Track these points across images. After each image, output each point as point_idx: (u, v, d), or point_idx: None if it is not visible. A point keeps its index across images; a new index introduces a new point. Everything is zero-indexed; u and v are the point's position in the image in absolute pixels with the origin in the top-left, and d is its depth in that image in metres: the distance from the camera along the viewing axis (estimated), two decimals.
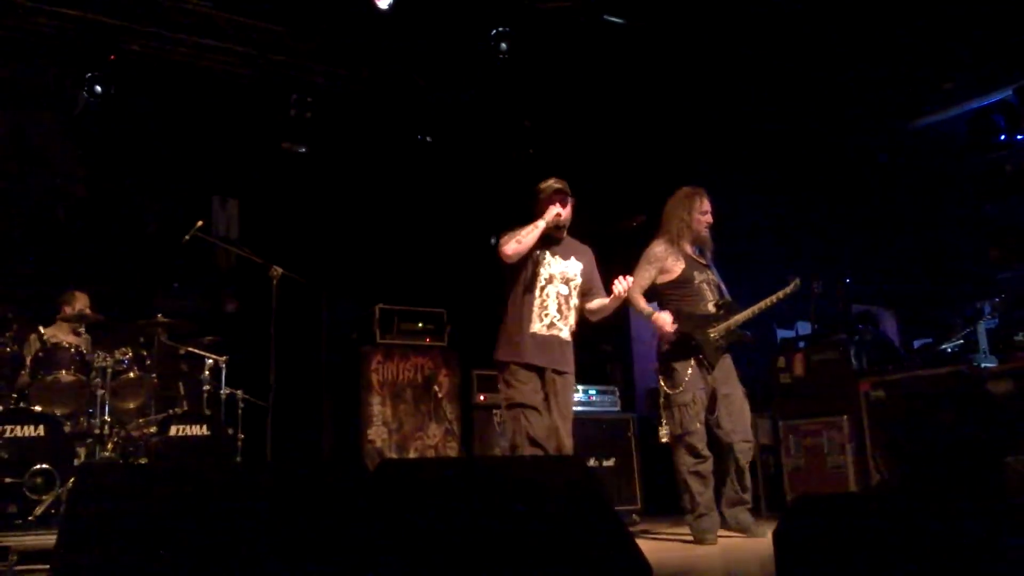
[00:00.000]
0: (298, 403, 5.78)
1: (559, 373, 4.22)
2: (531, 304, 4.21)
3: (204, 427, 4.93)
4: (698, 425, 4.41)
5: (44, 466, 4.47)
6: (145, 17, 6.09)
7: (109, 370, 4.86)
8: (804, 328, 6.69)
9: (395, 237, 6.86)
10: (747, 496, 4.53)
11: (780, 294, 4.50)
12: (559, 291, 4.25)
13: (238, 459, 5.04)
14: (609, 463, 5.94)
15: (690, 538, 4.43)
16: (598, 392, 6.32)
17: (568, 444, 4.20)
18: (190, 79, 6.48)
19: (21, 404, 4.68)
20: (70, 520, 2.53)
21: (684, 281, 4.58)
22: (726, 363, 4.58)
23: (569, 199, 4.32)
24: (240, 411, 5.32)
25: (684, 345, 4.50)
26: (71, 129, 6.51)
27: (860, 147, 7.05)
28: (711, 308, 4.55)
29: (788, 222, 7.30)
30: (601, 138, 7.26)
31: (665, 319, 4.47)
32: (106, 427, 4.77)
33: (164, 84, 6.46)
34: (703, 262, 4.70)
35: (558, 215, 4.21)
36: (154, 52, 6.29)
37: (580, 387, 6.35)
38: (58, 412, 4.72)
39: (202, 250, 5.69)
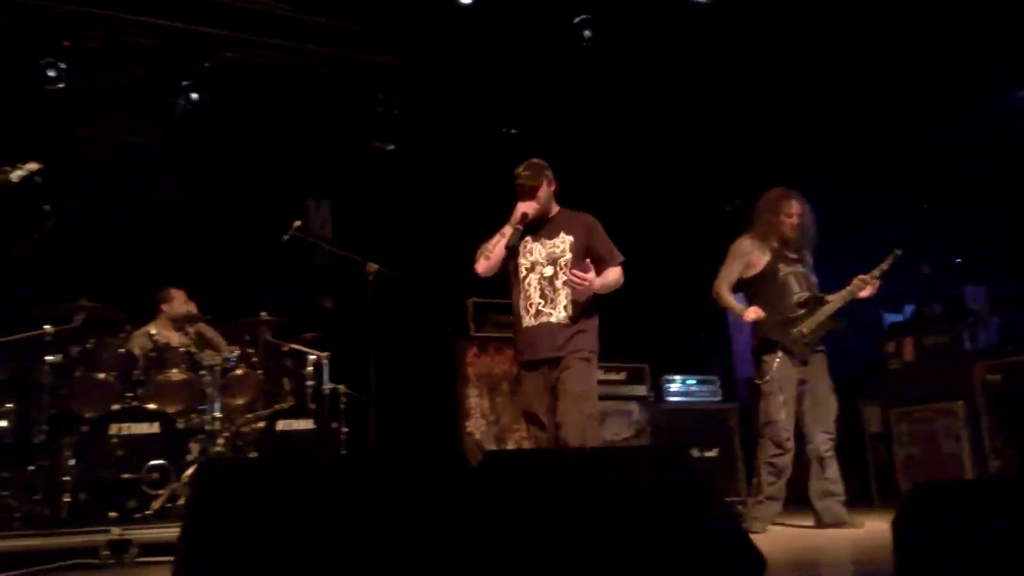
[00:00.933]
0: (398, 397, 5.84)
1: (554, 360, 3.88)
2: (518, 300, 4.01)
3: (310, 421, 5.02)
4: (782, 416, 4.44)
5: (160, 462, 4.63)
6: (236, 24, 6.26)
7: (218, 368, 5.00)
8: (913, 312, 6.44)
9: (485, 230, 6.86)
10: (837, 488, 4.46)
11: (883, 267, 4.45)
12: (542, 274, 3.94)
13: (343, 452, 5.13)
14: (711, 454, 5.84)
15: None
16: (697, 382, 6.23)
17: (574, 436, 3.79)
18: (280, 82, 6.62)
19: (135, 403, 4.86)
20: (192, 515, 2.60)
21: (769, 274, 4.61)
22: (817, 356, 4.57)
23: (535, 188, 3.98)
24: (343, 406, 5.41)
25: (770, 340, 4.54)
26: (170, 135, 6.73)
27: (960, 124, 6.73)
28: (794, 304, 4.55)
29: (891, 202, 7.03)
30: (693, 124, 7.13)
31: (751, 315, 4.54)
32: (217, 423, 4.92)
33: (256, 88, 6.62)
34: (793, 256, 4.67)
35: (524, 215, 3.92)
36: (245, 58, 6.47)
37: (678, 377, 6.26)
38: (170, 409, 4.88)
39: (299, 249, 5.80)
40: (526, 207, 3.92)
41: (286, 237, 5.34)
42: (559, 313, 3.89)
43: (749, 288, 4.68)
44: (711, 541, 2.64)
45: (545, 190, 4.01)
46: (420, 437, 6.15)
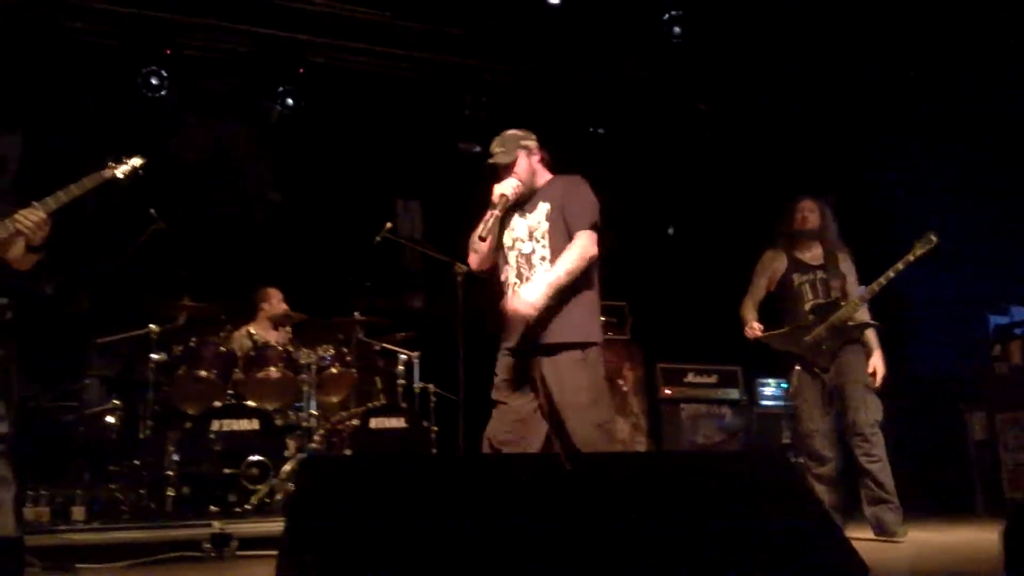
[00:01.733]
0: (487, 397, 5.85)
1: (531, 349, 3.34)
2: (499, 282, 3.55)
3: (401, 420, 5.10)
4: (812, 427, 4.35)
5: (259, 458, 4.77)
6: (328, 30, 6.40)
7: (314, 366, 5.11)
8: (1020, 313, 6.14)
9: None
10: (886, 494, 4.23)
11: (915, 252, 4.26)
12: (520, 252, 3.47)
13: (434, 451, 5.18)
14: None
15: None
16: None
17: (583, 436, 3.26)
18: (371, 86, 6.74)
19: (235, 400, 5.01)
20: (296, 510, 2.65)
21: (785, 285, 4.53)
22: (845, 359, 4.39)
23: (509, 165, 3.50)
24: (433, 405, 5.47)
25: (788, 353, 4.47)
26: (265, 139, 6.92)
27: None
28: (806, 311, 4.43)
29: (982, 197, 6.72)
30: (787, 120, 6.96)
31: (748, 332, 4.48)
32: (313, 420, 5.03)
33: (348, 92, 6.75)
34: (812, 263, 4.54)
35: (503, 196, 3.41)
36: (337, 63, 6.60)
37: (772, 380, 6.13)
38: (269, 407, 5.01)
39: (390, 250, 5.89)
40: (504, 187, 3.44)
41: (378, 238, 5.43)
42: None
43: (772, 302, 4.61)
44: (813, 547, 2.57)
45: (525, 163, 3.54)
46: None
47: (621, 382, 5.96)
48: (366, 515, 2.54)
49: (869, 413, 4.31)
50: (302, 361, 5.11)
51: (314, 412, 5.06)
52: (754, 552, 2.48)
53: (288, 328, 5.51)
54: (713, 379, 6.06)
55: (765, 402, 6.09)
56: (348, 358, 5.38)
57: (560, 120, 7.02)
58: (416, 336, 5.81)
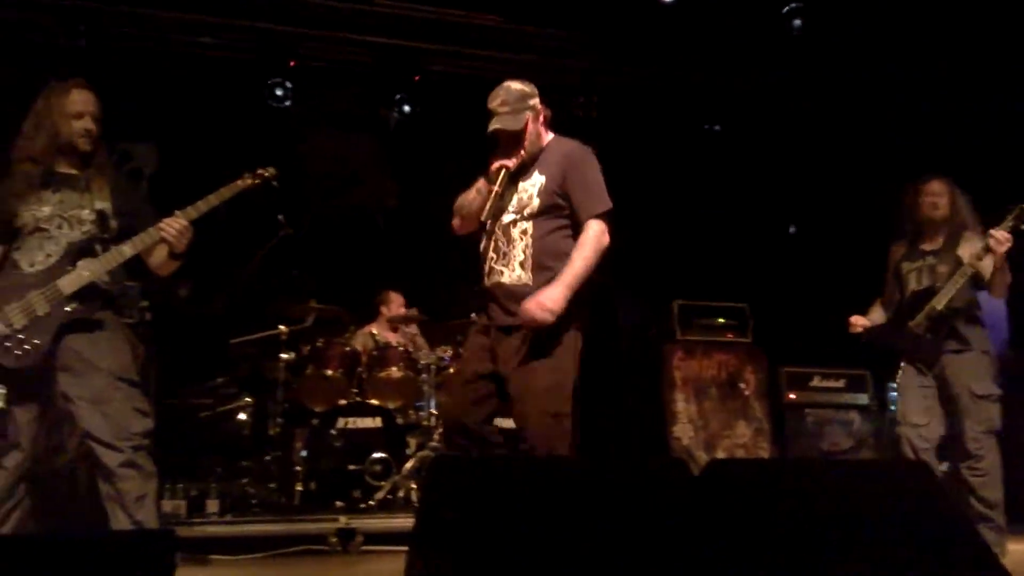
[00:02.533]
0: (602, 400, 5.83)
1: (497, 329, 3.03)
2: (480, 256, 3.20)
3: None
4: (907, 431, 4.03)
5: (382, 455, 4.88)
6: (444, 37, 6.50)
7: (433, 367, 5.20)
8: None
9: (689, 231, 6.74)
10: (989, 510, 3.91)
11: (1009, 223, 3.84)
12: (500, 222, 3.08)
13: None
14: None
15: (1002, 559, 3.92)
16: None
17: (534, 426, 2.95)
18: (485, 90, 6.79)
19: (359, 398, 5.14)
20: (426, 508, 2.69)
21: (894, 276, 4.25)
22: (948, 359, 4.03)
23: (518, 135, 3.12)
24: None
25: (893, 348, 4.18)
26: (383, 146, 7.09)
27: None
28: (907, 301, 4.13)
29: None
30: (911, 113, 6.66)
31: (852, 325, 4.22)
32: (432, 419, 5.11)
33: (462, 98, 6.83)
34: (927, 248, 4.18)
35: (504, 170, 3.07)
36: (452, 69, 6.69)
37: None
38: (390, 405, 5.13)
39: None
40: (507, 162, 3.10)
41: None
42: (512, 272, 3.03)
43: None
44: (958, 562, 2.43)
45: (532, 127, 3.16)
46: (625, 441, 6.10)
47: (743, 386, 5.82)
48: (494, 514, 2.55)
49: (977, 422, 3.96)
50: (422, 361, 5.21)
51: (434, 411, 5.14)
52: (895, 566, 2.37)
53: (415, 329, 5.62)
54: (840, 383, 5.84)
55: (896, 407, 5.81)
56: None
57: (674, 117, 6.93)
58: None
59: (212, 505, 4.78)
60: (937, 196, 4.18)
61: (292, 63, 6.26)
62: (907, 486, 2.70)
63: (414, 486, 4.84)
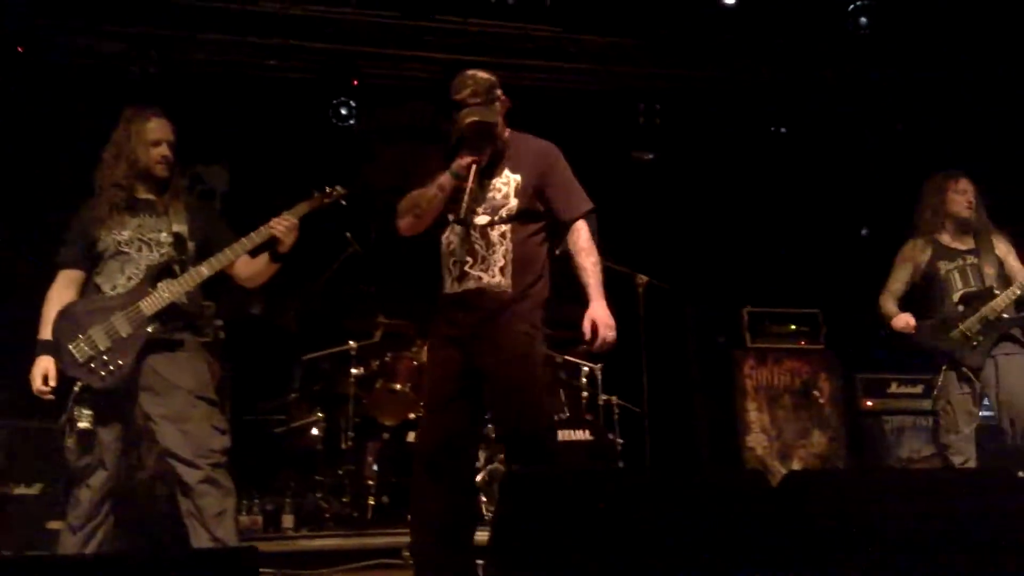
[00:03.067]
0: (671, 409, 5.76)
1: (480, 338, 2.88)
2: (441, 259, 3.04)
3: (587, 432, 5.08)
4: (952, 437, 3.89)
5: None
6: (500, 50, 6.53)
7: None
8: None
9: (758, 236, 6.62)
10: None
11: None
12: (474, 224, 2.92)
13: (620, 464, 5.14)
14: None
15: None
16: None
17: (517, 429, 2.90)
18: (543, 101, 6.81)
19: None
20: (501, 522, 2.68)
21: (928, 276, 4.06)
22: (1002, 363, 3.87)
23: (492, 127, 2.98)
24: (616, 417, 5.43)
25: (933, 351, 4.00)
26: (446, 161, 7.12)
27: None
28: (955, 302, 3.95)
29: None
30: (986, 109, 6.44)
31: (899, 323, 4.04)
32: None
33: (520, 109, 6.84)
34: (961, 247, 4.05)
35: (474, 162, 2.92)
36: (512, 81, 6.69)
37: None
38: None
39: (566, 263, 5.91)
40: (478, 156, 2.94)
41: (557, 252, 5.46)
42: (492, 277, 2.90)
43: (916, 297, 4.15)
44: None
45: (500, 120, 3.03)
46: (696, 451, 6.03)
47: (817, 394, 5.69)
48: (569, 528, 2.53)
49: None
50: None
51: None
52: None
53: None
54: (918, 389, 5.66)
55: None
56: None
57: (739, 121, 6.83)
58: None
59: (287, 520, 4.87)
60: (969, 193, 4.10)
61: (355, 82, 6.36)
62: (993, 494, 2.60)
63: (484, 499, 4.84)
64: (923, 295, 4.15)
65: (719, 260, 6.47)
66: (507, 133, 3.10)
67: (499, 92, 3.07)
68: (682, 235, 6.67)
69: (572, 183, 3.07)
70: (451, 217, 2.98)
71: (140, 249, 3.16)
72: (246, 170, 6.70)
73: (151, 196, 3.27)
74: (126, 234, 3.16)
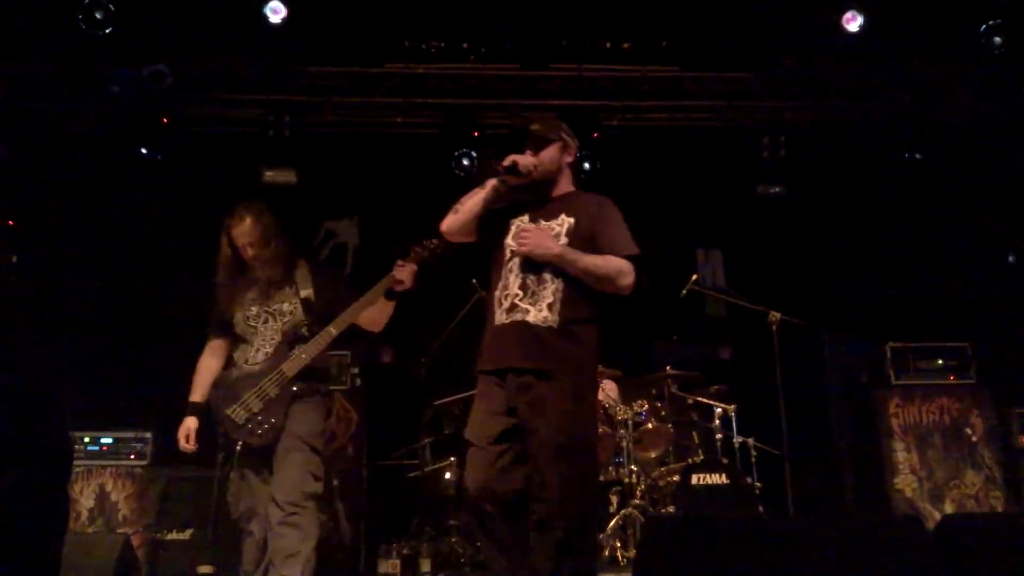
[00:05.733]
0: (811, 450, 5.54)
1: (523, 372, 2.87)
2: (494, 290, 3.07)
3: (723, 475, 4.93)
4: None
5: None
6: (620, 94, 6.57)
7: (630, 422, 5.14)
8: None
9: (897, 267, 6.35)
10: None
11: None
12: (527, 262, 2.98)
13: (760, 509, 4.96)
14: None
15: None
16: None
17: (553, 501, 2.74)
18: (664, 140, 6.79)
19: None
20: (642, 569, 2.64)
21: None
22: None
23: (543, 140, 3.10)
24: (754, 459, 5.26)
25: None
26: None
27: None
28: None
29: None
30: None
31: None
32: (633, 476, 5.03)
33: (643, 150, 6.84)
34: None
35: (514, 165, 3.02)
36: (630, 123, 6.74)
37: None
38: None
39: (693, 302, 5.83)
40: (521, 158, 3.06)
41: (684, 292, 5.41)
42: (540, 312, 2.92)
43: None
44: None
45: (554, 153, 3.13)
46: (840, 495, 5.74)
47: (969, 431, 5.33)
48: (708, 574, 2.48)
49: None
50: (619, 417, 5.16)
51: (634, 468, 5.06)
52: None
53: (613, 385, 5.59)
54: None
55: None
56: (663, 413, 5.35)
57: (867, 149, 6.60)
58: (728, 388, 5.66)
59: (424, 564, 4.93)
60: None
61: (475, 133, 6.52)
62: None
63: (618, 544, 4.76)
64: None
65: (858, 295, 6.24)
66: (565, 184, 3.20)
67: (569, 139, 3.20)
68: (818, 270, 6.48)
69: (621, 228, 3.09)
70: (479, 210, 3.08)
71: (267, 321, 3.51)
72: (376, 223, 6.96)
73: (270, 271, 3.54)
74: (254, 310, 3.52)
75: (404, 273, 3.41)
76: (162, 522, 4.88)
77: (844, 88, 6.43)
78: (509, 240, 3.05)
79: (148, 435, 5.28)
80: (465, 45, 6.26)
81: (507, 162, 3.04)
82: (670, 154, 6.87)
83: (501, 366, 2.93)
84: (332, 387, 3.85)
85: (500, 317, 2.98)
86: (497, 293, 3.04)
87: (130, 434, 5.29)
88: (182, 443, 3.48)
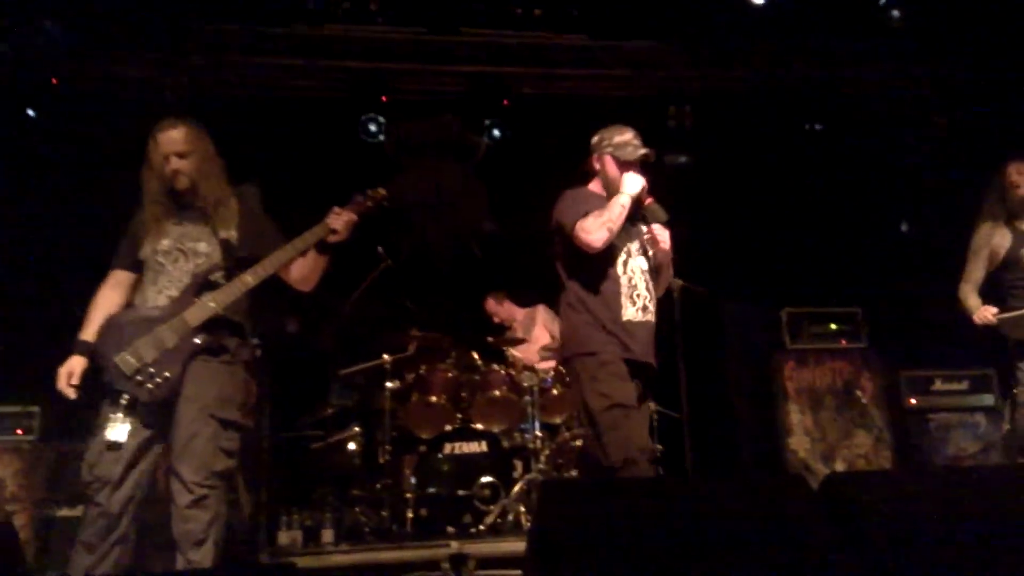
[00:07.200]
0: (710, 414, 5.68)
1: (649, 366, 3.41)
2: (617, 285, 3.37)
3: None
4: None
5: (489, 479, 4.87)
6: (532, 59, 6.53)
7: (536, 388, 5.18)
8: None
9: (792, 236, 6.53)
10: None
11: None
12: (641, 266, 3.43)
13: (659, 471, 5.07)
14: None
15: None
16: None
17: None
18: (574, 109, 6.79)
19: (464, 423, 5.16)
20: (539, 532, 2.65)
21: (1010, 262, 3.99)
22: None
23: (650, 163, 3.51)
24: (655, 424, 5.35)
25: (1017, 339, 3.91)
26: (475, 172, 7.15)
27: None
28: None
29: None
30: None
31: (979, 318, 3.98)
32: (538, 441, 5.08)
33: (551, 118, 6.84)
34: None
35: (645, 188, 3.41)
36: (541, 91, 6.72)
37: None
38: (495, 429, 5.13)
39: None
40: (644, 180, 3.44)
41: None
42: (645, 311, 3.41)
43: (997, 285, 4.05)
44: None
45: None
46: (738, 456, 5.92)
47: (860, 393, 5.56)
48: (607, 536, 2.50)
49: None
50: (525, 384, 5.19)
51: (539, 433, 5.11)
52: None
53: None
54: (964, 385, 5.53)
55: None
56: (568, 379, 5.39)
57: (771, 120, 6.74)
58: None
59: (327, 535, 4.88)
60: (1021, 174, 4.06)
61: (384, 98, 6.40)
62: None
63: (523, 509, 4.81)
64: (1006, 283, 4.08)
65: (755, 262, 6.38)
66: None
67: None
68: (717, 238, 6.60)
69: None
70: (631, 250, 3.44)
71: (177, 260, 3.09)
72: (277, 189, 6.75)
73: (197, 203, 3.16)
74: (165, 243, 3.10)
75: (339, 222, 3.14)
76: (52, 499, 4.69)
77: (748, 59, 6.53)
78: (621, 242, 3.38)
79: (36, 408, 5.03)
80: (373, 7, 6.11)
81: (645, 187, 3.42)
82: (580, 122, 6.88)
83: (642, 360, 3.36)
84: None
85: (635, 314, 3.35)
86: (623, 288, 3.36)
87: (16, 408, 5.04)
88: (62, 384, 2.97)
